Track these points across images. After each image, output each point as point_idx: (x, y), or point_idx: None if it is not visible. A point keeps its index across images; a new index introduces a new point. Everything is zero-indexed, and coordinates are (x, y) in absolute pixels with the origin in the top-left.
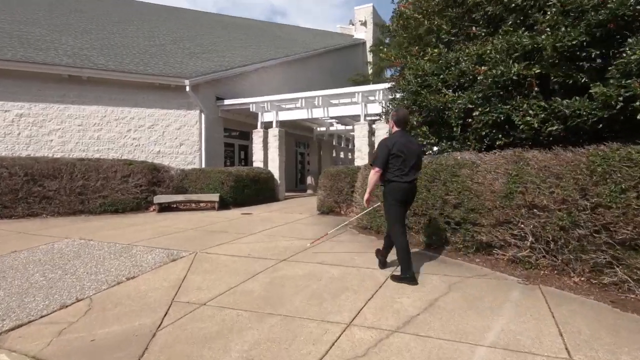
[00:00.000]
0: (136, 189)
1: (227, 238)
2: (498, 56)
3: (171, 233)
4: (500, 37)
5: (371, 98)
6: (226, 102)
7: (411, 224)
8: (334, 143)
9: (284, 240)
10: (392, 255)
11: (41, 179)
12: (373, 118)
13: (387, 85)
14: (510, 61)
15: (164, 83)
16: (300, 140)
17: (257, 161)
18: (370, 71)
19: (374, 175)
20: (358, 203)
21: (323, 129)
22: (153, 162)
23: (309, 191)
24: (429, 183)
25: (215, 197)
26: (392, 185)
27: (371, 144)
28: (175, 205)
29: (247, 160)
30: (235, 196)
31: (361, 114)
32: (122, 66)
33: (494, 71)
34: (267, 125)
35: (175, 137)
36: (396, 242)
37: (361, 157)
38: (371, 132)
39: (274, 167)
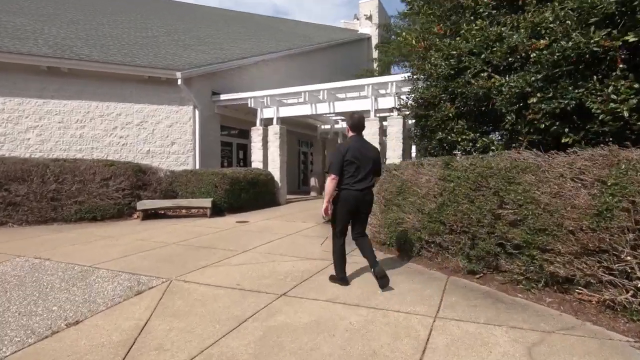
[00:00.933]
0: (118, 193)
1: (213, 257)
2: (561, 26)
3: (148, 249)
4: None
5: (382, 91)
6: (222, 97)
7: (446, 244)
8: (339, 142)
9: (285, 260)
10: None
11: (7, 183)
12: (385, 114)
13: (400, 77)
14: (590, 29)
15: (154, 76)
16: (303, 139)
17: (256, 161)
18: (376, 67)
19: (330, 182)
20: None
21: (327, 126)
22: (139, 162)
23: (313, 193)
24: (472, 192)
25: (207, 202)
26: (343, 193)
27: (382, 143)
28: (162, 212)
29: (245, 160)
30: (230, 201)
31: (371, 109)
32: (107, 57)
33: (562, 43)
34: (267, 122)
35: (166, 135)
36: (333, 247)
37: None
38: (382, 130)
39: (275, 168)
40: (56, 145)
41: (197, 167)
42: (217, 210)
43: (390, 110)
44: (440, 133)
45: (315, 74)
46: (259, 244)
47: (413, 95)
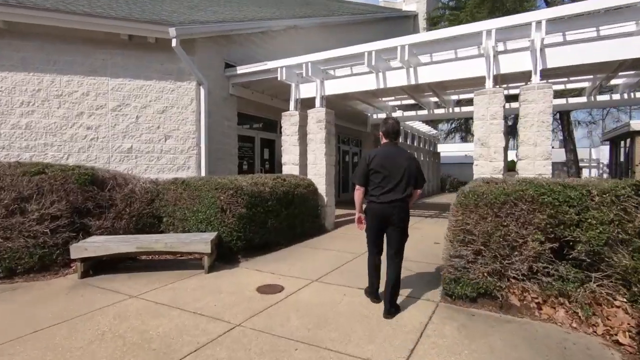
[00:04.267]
0: (44, 225)
1: None
2: None
3: None
4: None
5: (510, 46)
6: (240, 69)
7: None
8: (400, 140)
9: None
10: None
11: None
12: (513, 86)
13: (553, 11)
14: None
15: (137, 35)
16: (345, 133)
17: (289, 164)
18: None
19: (355, 193)
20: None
21: (383, 115)
22: (107, 168)
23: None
24: None
25: (202, 242)
26: (368, 206)
27: (509, 132)
28: (129, 259)
29: (273, 162)
30: (248, 234)
31: (488, 74)
32: (67, 6)
33: None
34: (307, 105)
35: (156, 124)
36: (368, 260)
37: (489, 157)
38: (501, 108)
39: (318, 174)
40: None
41: (203, 172)
42: (225, 254)
43: (526, 77)
44: None
45: None
46: None
47: None
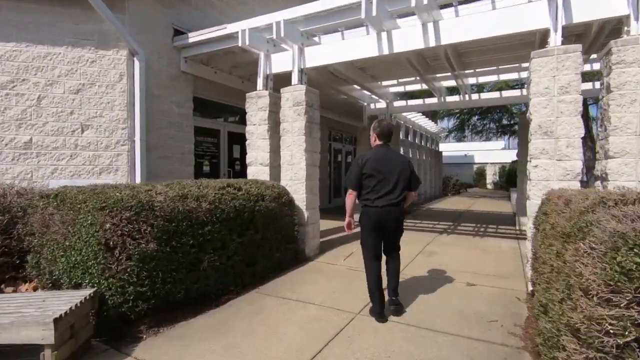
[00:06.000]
0: None
1: None
2: None
3: None
4: None
5: None
6: (193, 36)
7: None
8: (400, 136)
9: None
10: None
11: None
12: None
13: None
14: None
15: None
16: (337, 129)
17: (255, 164)
18: None
19: (348, 198)
20: None
21: (381, 105)
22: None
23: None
24: None
25: (35, 332)
26: (363, 211)
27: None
28: None
29: (243, 160)
30: (162, 285)
31: (553, 23)
32: None
33: None
34: (283, 83)
35: (69, 109)
36: (365, 270)
37: (557, 153)
38: (578, 77)
39: (295, 179)
40: None
41: (138, 176)
42: (114, 325)
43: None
44: None
45: None
46: None
47: None
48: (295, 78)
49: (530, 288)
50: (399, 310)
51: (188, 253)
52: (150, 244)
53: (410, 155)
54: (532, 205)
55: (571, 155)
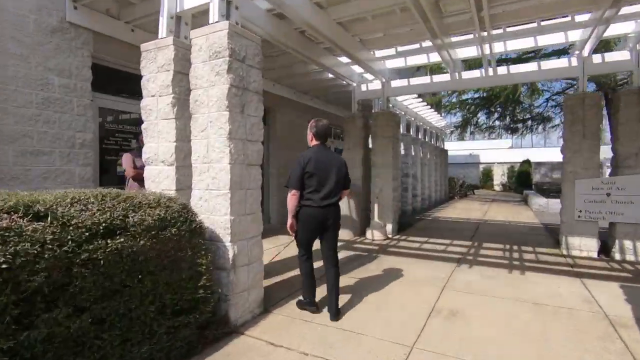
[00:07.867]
0: None
1: None
2: None
3: None
4: None
5: None
6: None
7: None
8: (401, 130)
9: None
10: None
11: None
12: None
13: None
14: None
15: None
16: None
17: (156, 162)
18: None
19: (290, 198)
20: None
21: (376, 86)
22: None
23: (346, 233)
24: None
25: None
26: (303, 211)
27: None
28: None
29: None
30: None
31: None
32: None
33: None
34: (198, 32)
35: None
36: (300, 266)
37: None
38: None
39: (215, 187)
40: None
41: None
42: None
43: None
44: None
45: None
46: None
47: None
48: (215, 12)
49: None
50: (337, 313)
51: None
52: None
53: (413, 153)
54: None
55: None
